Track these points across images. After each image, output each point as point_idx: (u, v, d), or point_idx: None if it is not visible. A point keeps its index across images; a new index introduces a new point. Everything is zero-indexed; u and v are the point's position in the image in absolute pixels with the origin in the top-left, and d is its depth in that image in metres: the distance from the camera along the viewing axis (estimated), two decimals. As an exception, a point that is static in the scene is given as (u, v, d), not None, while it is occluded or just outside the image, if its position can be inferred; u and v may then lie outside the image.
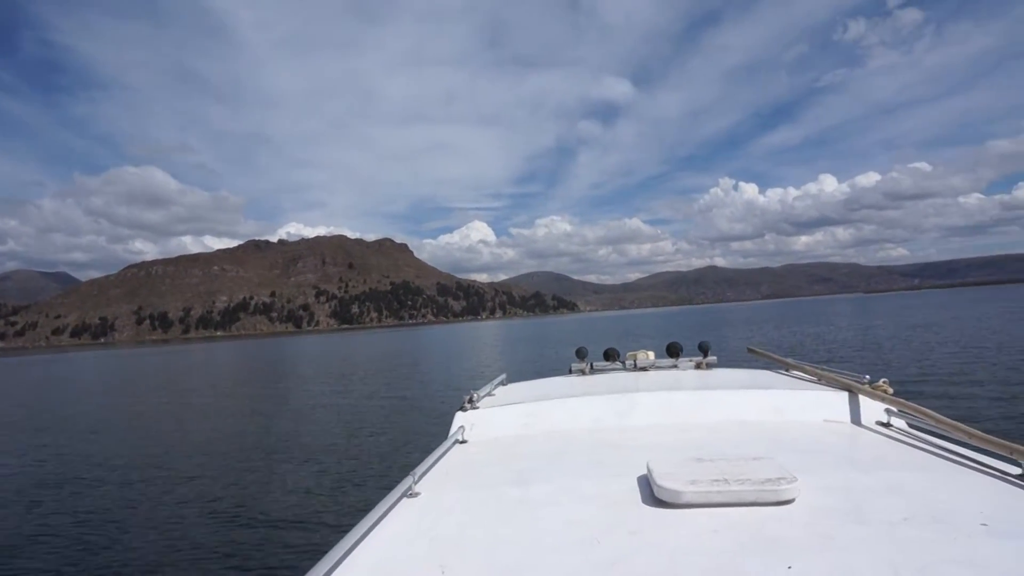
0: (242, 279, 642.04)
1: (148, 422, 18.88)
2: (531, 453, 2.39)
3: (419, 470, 2.07)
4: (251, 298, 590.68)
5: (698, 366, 3.84)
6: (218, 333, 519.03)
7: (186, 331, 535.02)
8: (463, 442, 2.69)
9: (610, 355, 4.06)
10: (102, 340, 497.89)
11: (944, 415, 2.13)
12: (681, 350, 3.99)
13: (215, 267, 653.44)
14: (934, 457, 2.01)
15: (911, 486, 1.71)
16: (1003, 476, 1.75)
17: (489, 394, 3.32)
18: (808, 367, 3.36)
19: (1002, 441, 1.79)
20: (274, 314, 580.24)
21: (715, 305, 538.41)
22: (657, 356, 3.95)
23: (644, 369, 3.80)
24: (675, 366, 3.88)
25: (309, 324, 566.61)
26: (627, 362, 3.93)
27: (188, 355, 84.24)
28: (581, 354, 4.01)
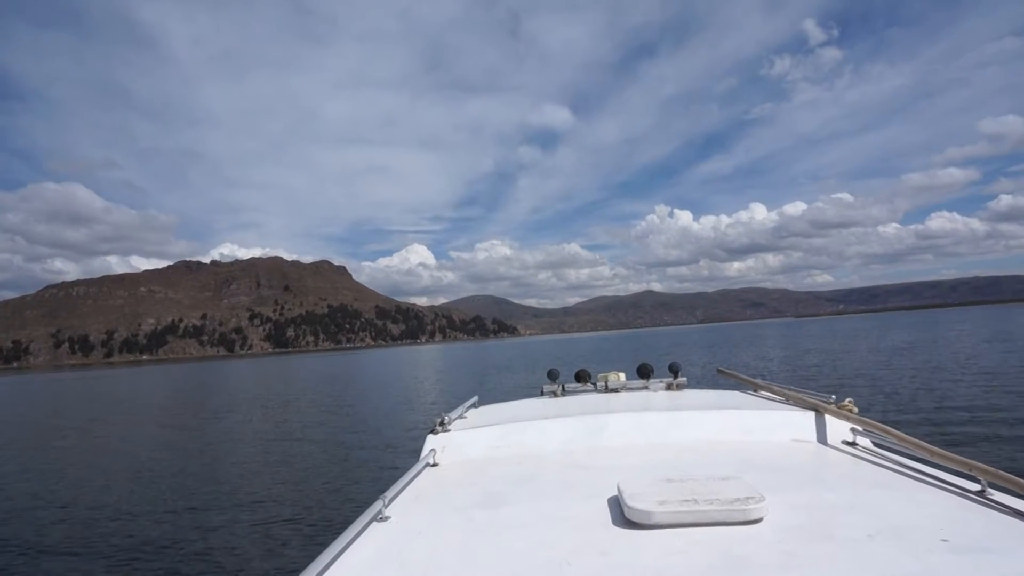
0: (171, 301, 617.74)
1: (74, 452, 18.24)
2: (503, 475, 2.40)
3: (389, 493, 2.05)
4: (180, 321, 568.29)
5: (669, 387, 3.87)
6: (144, 357, 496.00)
7: (109, 355, 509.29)
8: (434, 465, 2.68)
9: (581, 377, 4.09)
10: (15, 364, 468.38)
11: (906, 433, 2.19)
12: (652, 371, 4.03)
13: (142, 288, 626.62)
14: (897, 475, 2.06)
15: (875, 503, 1.76)
16: (962, 492, 1.81)
17: (461, 416, 3.32)
18: (776, 387, 3.41)
19: (961, 458, 1.86)
20: (205, 337, 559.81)
21: (653, 329, 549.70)
22: (628, 378, 3.97)
23: (615, 391, 3.84)
24: (646, 387, 3.91)
25: (242, 348, 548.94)
26: (598, 383, 3.95)
27: (112, 380, 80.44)
28: (553, 376, 4.03)
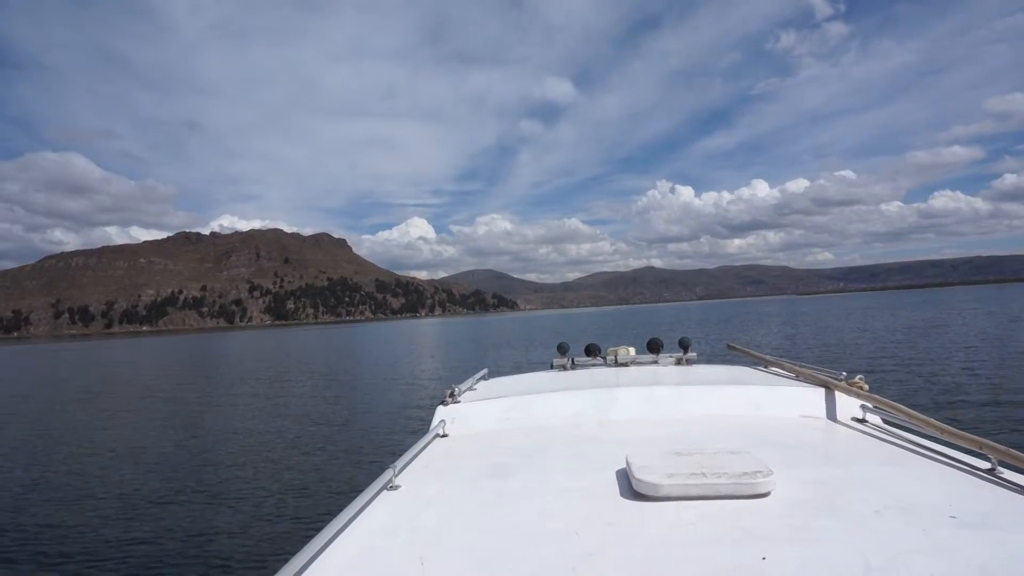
0: (171, 272, 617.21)
1: (83, 423, 17.71)
2: (512, 447, 2.42)
3: (399, 463, 2.08)
4: (180, 292, 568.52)
5: (678, 362, 3.88)
6: (144, 328, 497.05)
7: (109, 326, 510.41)
8: (444, 436, 2.71)
9: (591, 351, 4.11)
10: (15, 334, 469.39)
11: (917, 411, 2.18)
12: (662, 346, 4.05)
13: (142, 259, 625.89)
14: (906, 452, 2.06)
15: (883, 480, 1.76)
16: (972, 470, 1.81)
17: (471, 388, 3.34)
18: (786, 364, 3.40)
19: (972, 436, 1.84)
20: (204, 309, 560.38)
21: (653, 305, 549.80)
22: (638, 352, 3.99)
23: (625, 365, 3.85)
24: (655, 362, 3.93)
25: (241, 320, 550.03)
26: (608, 358, 3.98)
27: (113, 351, 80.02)
28: (563, 349, 4.05)
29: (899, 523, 1.43)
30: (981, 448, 1.79)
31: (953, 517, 1.44)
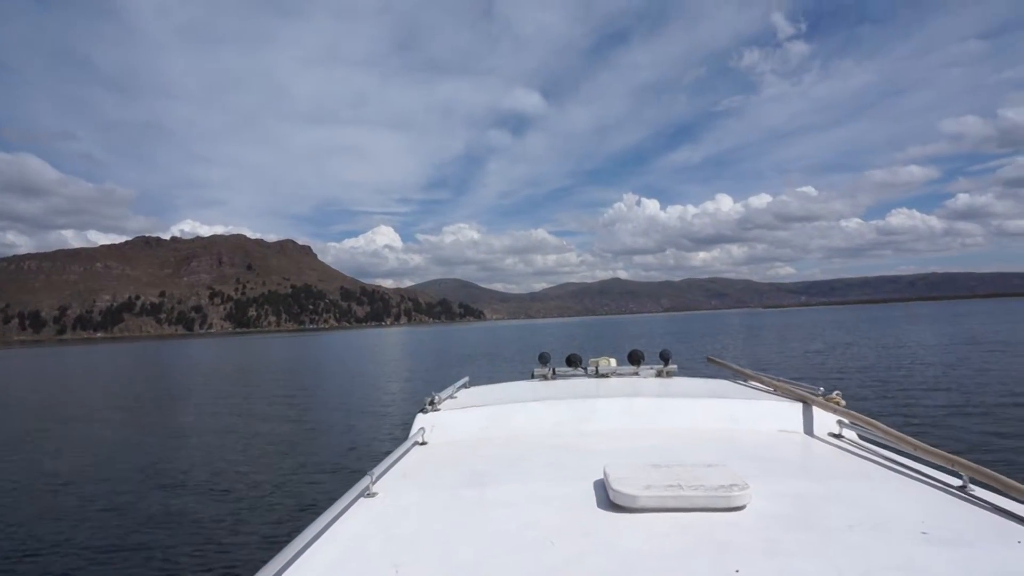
0: (128, 277, 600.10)
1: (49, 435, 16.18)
2: (491, 456, 2.42)
3: (377, 470, 2.08)
4: (137, 298, 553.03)
5: (659, 374, 3.91)
6: (98, 334, 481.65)
7: (61, 332, 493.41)
8: (423, 443, 2.70)
9: (572, 361, 4.14)
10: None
11: (892, 427, 2.21)
12: (643, 358, 4.07)
13: (98, 264, 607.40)
14: (881, 468, 2.09)
15: (857, 495, 1.79)
16: (944, 487, 1.83)
17: (451, 396, 3.34)
18: (765, 378, 3.42)
19: (945, 454, 1.87)
20: (163, 315, 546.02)
21: (618, 316, 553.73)
22: (619, 363, 4.02)
23: (605, 376, 3.88)
24: (636, 373, 3.95)
25: (201, 327, 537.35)
26: (589, 368, 4.00)
27: (67, 357, 76.57)
28: (544, 359, 4.06)
29: (872, 538, 1.44)
30: (953, 465, 1.82)
31: (924, 533, 1.46)
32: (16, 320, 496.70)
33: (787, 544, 1.41)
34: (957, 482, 1.84)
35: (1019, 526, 1.52)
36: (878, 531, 1.49)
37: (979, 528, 1.52)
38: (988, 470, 1.73)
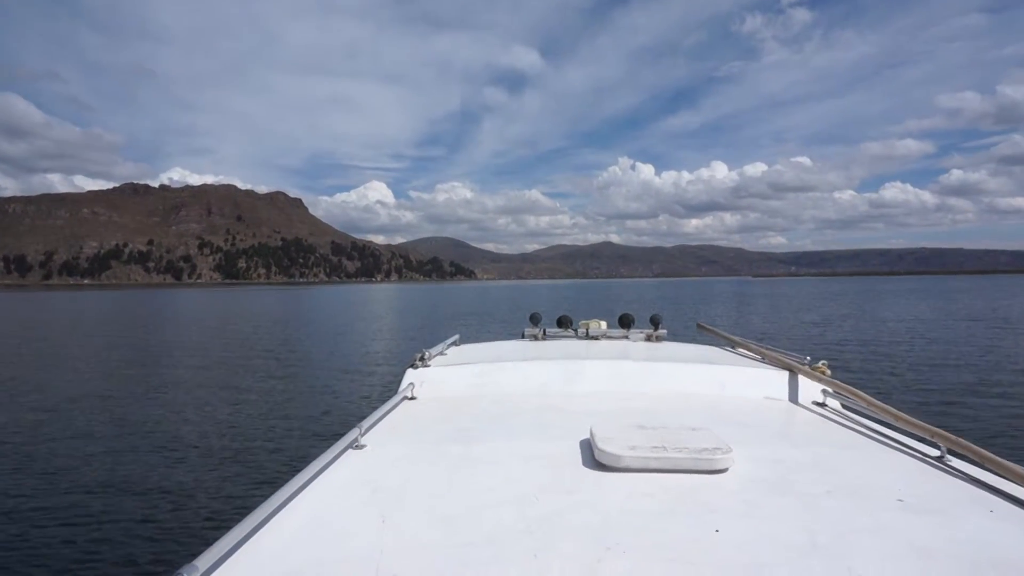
0: (116, 224, 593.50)
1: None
2: (479, 413, 2.45)
3: (366, 423, 2.11)
4: (125, 245, 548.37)
5: (648, 338, 3.96)
6: (85, 281, 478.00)
7: (47, 277, 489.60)
8: (412, 399, 2.73)
9: (563, 322, 4.22)
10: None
11: (874, 397, 2.27)
12: (633, 322, 4.13)
13: (85, 209, 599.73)
14: (862, 436, 2.14)
15: (837, 462, 1.83)
16: (923, 457, 1.88)
17: (441, 353, 3.36)
18: (753, 346, 3.48)
19: (924, 424, 1.93)
20: (151, 264, 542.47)
21: (608, 280, 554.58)
22: (609, 326, 4.08)
23: (595, 338, 3.94)
24: (626, 337, 4.01)
25: (190, 277, 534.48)
26: (579, 330, 4.07)
27: (56, 303, 75.26)
28: (535, 319, 4.10)
29: (848, 504, 1.48)
30: (932, 436, 1.87)
31: (900, 500, 1.50)
32: (1, 263, 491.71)
33: (766, 507, 1.45)
34: (935, 452, 1.87)
35: (992, 496, 1.56)
36: (855, 497, 1.52)
37: (954, 497, 1.55)
38: (965, 441, 1.76)
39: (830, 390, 2.63)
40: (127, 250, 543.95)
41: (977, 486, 1.64)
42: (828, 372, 2.75)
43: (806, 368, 2.80)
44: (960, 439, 1.79)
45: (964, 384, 13.09)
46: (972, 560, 1.21)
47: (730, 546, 1.25)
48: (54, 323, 38.81)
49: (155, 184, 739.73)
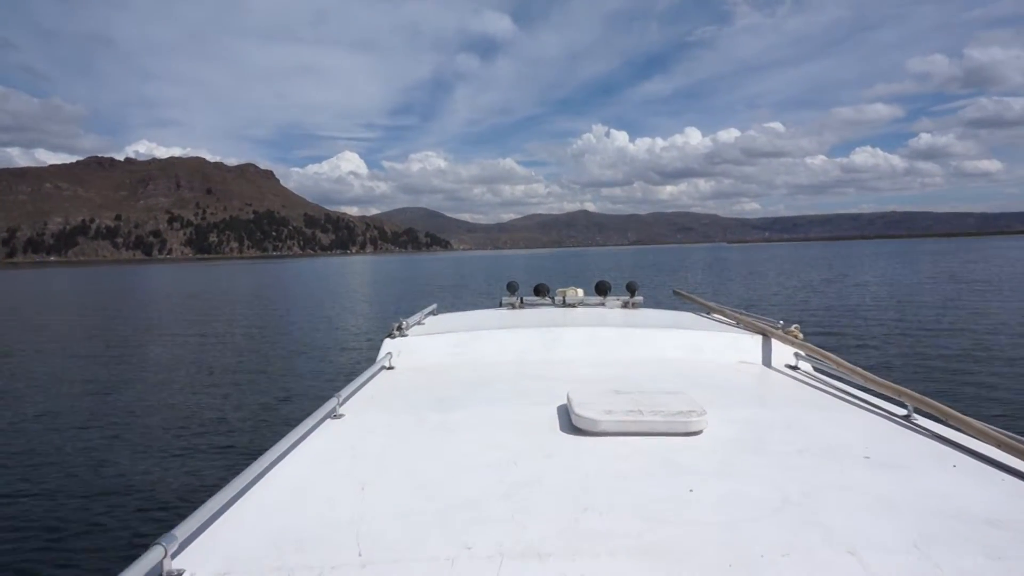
0: (81, 199, 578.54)
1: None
2: (457, 381, 2.51)
3: (344, 393, 2.14)
4: (92, 221, 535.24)
5: (625, 305, 4.03)
6: (51, 258, 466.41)
7: (11, 255, 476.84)
8: (390, 368, 2.77)
9: (540, 290, 4.27)
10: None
11: (844, 359, 2.37)
12: (609, 289, 4.19)
13: (47, 184, 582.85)
14: (832, 397, 2.24)
15: (808, 422, 1.92)
16: (890, 416, 1.98)
17: (419, 323, 3.39)
18: (728, 311, 3.57)
19: (891, 384, 2.03)
20: (119, 240, 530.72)
21: (586, 248, 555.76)
22: (586, 294, 4.14)
23: (572, 306, 3.98)
24: (602, 304, 4.06)
25: (160, 252, 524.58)
26: (556, 298, 4.12)
27: (22, 282, 73.42)
28: (512, 288, 4.16)
29: (818, 462, 1.55)
30: (899, 396, 1.96)
31: (867, 458, 1.58)
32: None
33: (739, 466, 1.51)
34: (902, 411, 1.97)
35: (956, 452, 1.63)
36: (824, 456, 1.59)
37: (919, 453, 1.63)
38: (931, 400, 1.83)
39: (802, 353, 2.71)
40: (94, 226, 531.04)
41: (941, 443, 1.71)
42: (800, 336, 2.82)
43: (779, 332, 2.87)
44: (926, 398, 1.86)
45: (932, 346, 13.28)
46: (935, 512, 1.26)
47: (704, 505, 1.29)
48: (22, 302, 37.74)
49: (120, 158, 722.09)
